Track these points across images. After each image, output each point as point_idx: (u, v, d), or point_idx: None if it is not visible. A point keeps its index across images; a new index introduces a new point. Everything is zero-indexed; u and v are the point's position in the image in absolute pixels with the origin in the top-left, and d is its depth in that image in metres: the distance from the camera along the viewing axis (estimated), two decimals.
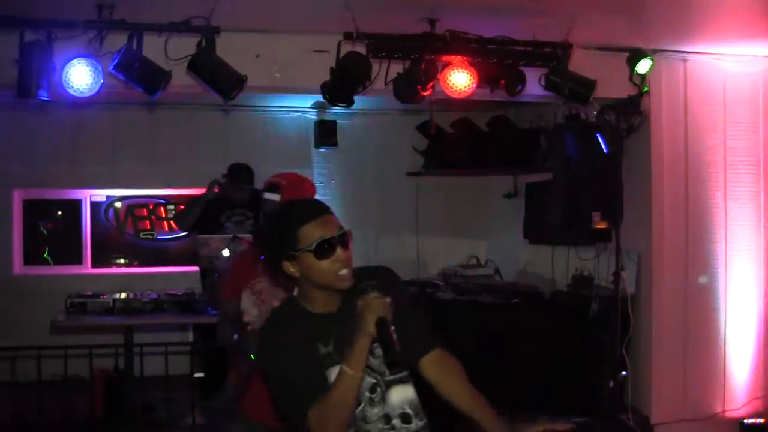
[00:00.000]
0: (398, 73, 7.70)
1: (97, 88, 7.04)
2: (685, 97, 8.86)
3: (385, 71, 7.65)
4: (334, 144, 11.74)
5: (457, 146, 11.56)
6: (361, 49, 7.54)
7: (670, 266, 8.81)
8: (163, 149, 11.48)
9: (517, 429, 3.78)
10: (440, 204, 12.36)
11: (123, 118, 11.24)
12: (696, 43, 8.61)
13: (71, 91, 7.02)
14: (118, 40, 7.10)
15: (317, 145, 11.86)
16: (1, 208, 11.36)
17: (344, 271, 3.69)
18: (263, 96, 10.84)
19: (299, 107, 11.85)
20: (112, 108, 10.84)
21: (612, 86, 8.50)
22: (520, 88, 7.89)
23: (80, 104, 8.40)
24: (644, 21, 7.88)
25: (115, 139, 11.43)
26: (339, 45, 7.47)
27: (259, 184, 9.54)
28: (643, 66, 8.34)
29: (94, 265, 11.76)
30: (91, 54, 7.04)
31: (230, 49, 7.32)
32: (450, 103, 8.31)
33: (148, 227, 11.92)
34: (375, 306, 3.57)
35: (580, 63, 8.08)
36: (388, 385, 3.82)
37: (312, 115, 11.94)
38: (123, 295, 8.95)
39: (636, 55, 8.32)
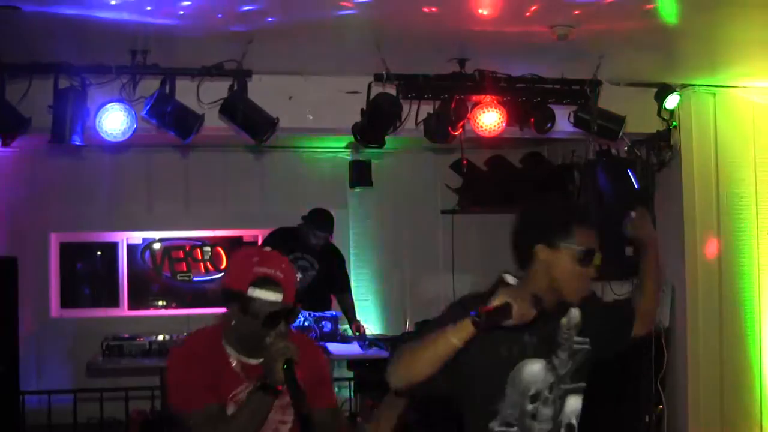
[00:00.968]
0: (428, 113, 7.76)
1: (130, 132, 7.14)
2: (715, 131, 8.88)
3: (415, 111, 7.71)
4: (369, 183, 11.74)
5: (490, 183, 11.59)
6: (391, 89, 7.60)
7: (704, 299, 8.80)
8: (197, 191, 11.55)
9: None
10: (475, 241, 12.34)
11: (157, 161, 11.33)
12: (724, 77, 8.63)
13: (105, 136, 7.13)
14: (150, 85, 7.22)
15: (352, 185, 11.87)
16: (39, 251, 11.42)
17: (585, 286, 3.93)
18: (297, 137, 10.91)
19: (333, 147, 11.90)
20: (147, 151, 10.93)
21: (642, 121, 8.55)
22: (549, 125, 7.93)
23: (115, 148, 8.51)
24: (672, 56, 7.92)
25: (150, 182, 11.52)
26: (369, 86, 7.54)
27: (292, 223, 9.68)
28: (672, 101, 8.38)
29: (131, 307, 11.78)
30: (125, 99, 7.14)
31: (262, 92, 7.42)
32: (483, 140, 8.35)
33: (185, 269, 11.95)
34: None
35: (610, 99, 8.12)
36: (567, 392, 4.01)
37: (346, 155, 11.99)
38: (160, 337, 9.01)
39: (664, 91, 8.36)
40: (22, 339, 9.88)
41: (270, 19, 6.35)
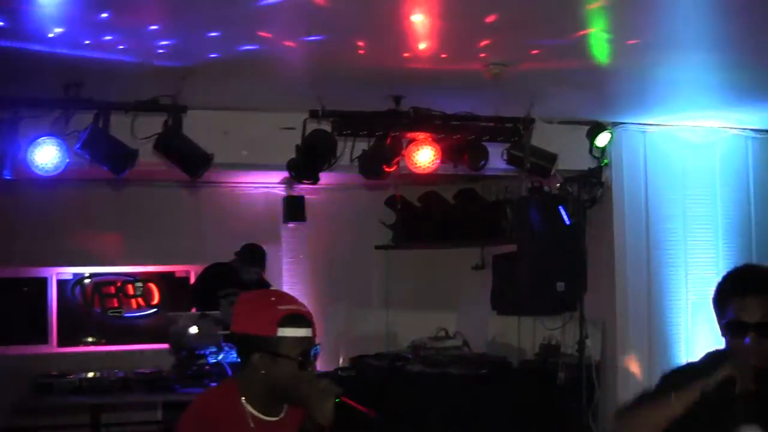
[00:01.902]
0: (363, 150, 7.80)
1: (62, 167, 7.06)
2: (645, 168, 9.03)
3: (350, 148, 7.75)
4: (303, 219, 11.74)
5: (424, 219, 11.66)
6: (326, 126, 7.65)
7: (634, 333, 8.91)
8: (130, 226, 11.39)
9: None
10: (409, 277, 12.38)
11: (90, 196, 11.12)
12: (654, 116, 8.79)
13: (36, 170, 7.03)
14: (84, 119, 7.17)
15: (286, 220, 11.86)
16: None
17: None
18: (231, 171, 10.88)
19: (267, 183, 11.88)
20: (79, 185, 10.71)
21: (574, 159, 8.66)
22: (483, 162, 8.01)
23: (46, 181, 8.43)
24: (604, 95, 8.04)
25: (82, 217, 11.26)
26: (305, 123, 7.57)
27: (225, 258, 9.64)
28: (602, 139, 8.50)
29: (61, 344, 11.47)
30: (57, 133, 7.07)
31: (197, 127, 7.42)
32: (417, 177, 8.40)
33: (116, 305, 11.79)
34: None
35: (543, 137, 8.23)
36: None
37: (280, 191, 11.98)
38: (90, 374, 8.90)
39: (595, 129, 8.48)
40: None
41: (208, 55, 6.35)
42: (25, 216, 10.90)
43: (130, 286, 11.88)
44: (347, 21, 5.73)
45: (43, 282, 11.59)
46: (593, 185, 8.93)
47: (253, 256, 9.54)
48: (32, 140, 6.99)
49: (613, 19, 5.82)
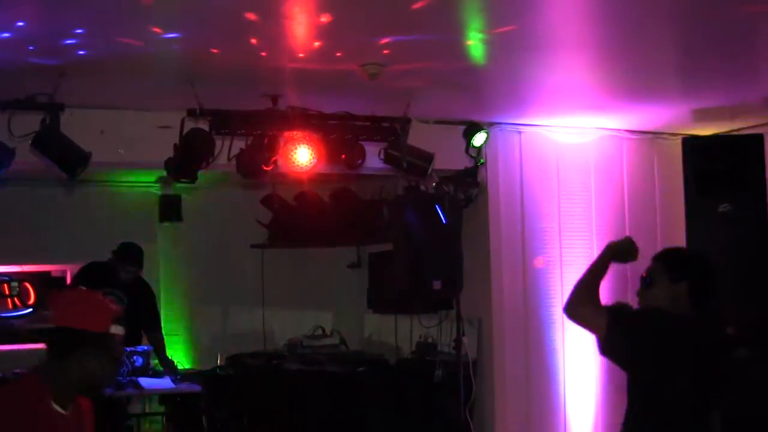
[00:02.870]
0: (241, 149, 7.79)
1: None
2: (521, 168, 9.21)
3: (228, 147, 7.74)
4: (179, 218, 11.69)
5: (300, 218, 11.69)
6: (204, 125, 7.60)
7: (509, 331, 9.06)
8: (5, 225, 11.21)
9: None
10: (286, 276, 12.40)
11: None
12: (529, 116, 8.96)
13: None
14: None
15: (162, 220, 11.80)
16: None
17: None
18: (107, 170, 10.77)
19: (143, 182, 11.81)
20: None
21: (450, 158, 8.74)
22: (360, 162, 8.06)
23: None
24: (480, 96, 8.18)
25: None
26: (182, 121, 7.53)
27: (102, 257, 9.56)
28: (479, 139, 8.59)
29: None
30: None
31: (75, 126, 7.30)
32: (293, 176, 8.44)
33: None
34: None
35: (419, 136, 8.29)
36: None
37: (156, 190, 11.91)
38: None
39: (471, 129, 8.57)
40: None
41: (81, 52, 6.31)
42: None
43: (5, 286, 11.69)
44: (219, 19, 5.76)
45: None
46: (469, 185, 9.03)
47: (130, 255, 9.47)
48: None
49: (488, 19, 5.93)
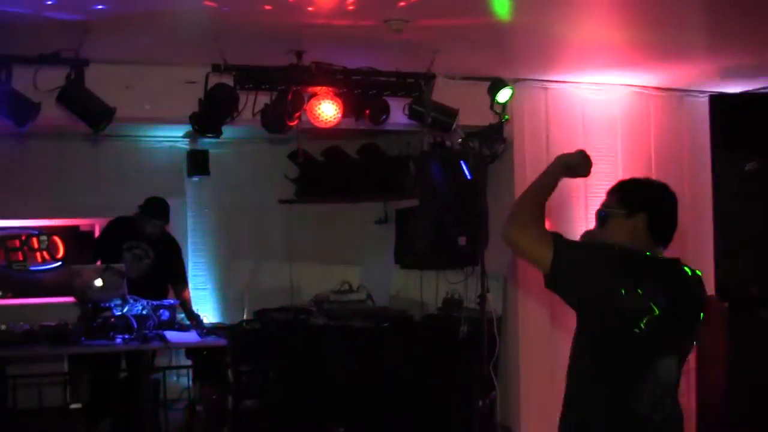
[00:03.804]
0: (265, 104, 7.81)
1: None
2: (547, 124, 9.18)
3: (252, 102, 7.76)
4: (207, 173, 11.69)
5: (327, 174, 11.71)
6: (228, 80, 7.64)
7: (534, 287, 9.04)
8: (34, 180, 11.27)
9: None
10: (313, 231, 12.44)
11: None
12: (555, 73, 8.92)
13: None
14: None
15: (189, 174, 11.83)
16: None
17: None
18: (134, 125, 10.81)
19: (171, 137, 11.84)
20: None
21: (476, 114, 8.71)
22: (384, 117, 8.09)
23: None
24: (506, 52, 8.15)
25: None
26: (207, 77, 7.56)
27: (129, 212, 9.61)
28: (503, 95, 8.57)
29: None
30: None
31: (100, 81, 7.37)
32: (321, 131, 8.45)
33: (21, 258, 11.70)
34: None
35: (444, 92, 8.30)
36: None
37: (184, 145, 11.94)
38: None
39: (496, 85, 8.53)
40: None
41: (104, 7, 6.32)
42: None
43: (35, 240, 11.79)
44: None
45: None
46: (495, 141, 8.99)
47: (156, 209, 9.49)
48: None
49: None
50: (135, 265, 9.33)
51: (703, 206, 8.82)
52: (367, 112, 8.06)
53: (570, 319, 8.15)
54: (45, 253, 11.79)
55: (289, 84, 7.77)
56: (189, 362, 9.77)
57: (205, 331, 9.15)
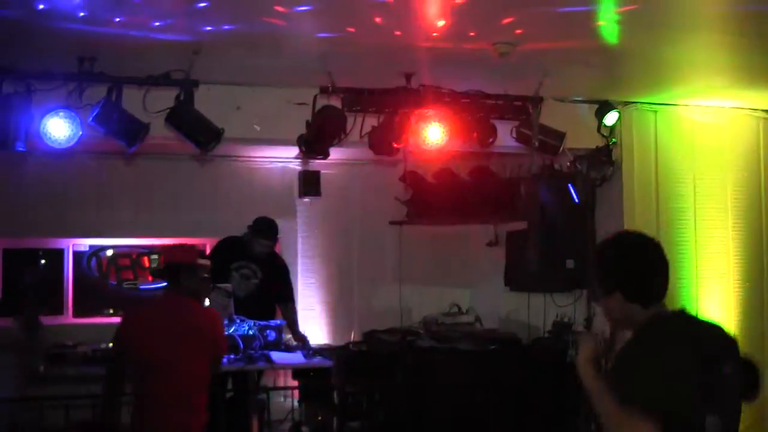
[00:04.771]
0: (373, 126, 7.85)
1: (75, 139, 7.15)
2: (656, 147, 9.08)
3: (360, 124, 7.81)
4: (318, 193, 11.76)
5: (439, 196, 11.69)
6: (336, 102, 7.70)
7: None
8: (146, 199, 11.45)
9: None
10: (423, 253, 12.41)
11: (106, 168, 11.15)
12: (664, 96, 8.83)
13: (49, 143, 7.13)
14: (97, 92, 7.26)
15: (301, 195, 11.89)
16: None
17: None
18: (246, 146, 10.92)
19: (283, 157, 11.93)
20: (96, 157, 10.73)
21: (584, 137, 8.69)
22: (491, 140, 8.08)
23: (61, 154, 8.45)
24: (614, 75, 8.08)
25: (98, 189, 11.31)
26: (315, 98, 7.62)
27: (240, 231, 9.70)
28: (611, 118, 8.53)
29: (76, 314, 11.49)
30: (71, 106, 7.15)
31: (210, 101, 7.50)
32: (430, 153, 8.46)
33: (131, 277, 11.83)
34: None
35: (552, 115, 8.28)
36: None
37: (296, 165, 12.02)
38: (103, 345, 8.95)
39: (604, 108, 8.51)
40: None
41: (212, 28, 6.41)
42: (41, 188, 10.93)
43: (145, 258, 11.93)
44: None
45: (60, 253, 11.62)
46: (603, 164, 8.95)
47: (265, 229, 9.55)
48: (46, 112, 7.07)
49: None
50: (243, 285, 9.41)
51: None
52: (475, 134, 8.05)
53: None
54: None
55: (396, 106, 7.80)
56: (295, 383, 9.80)
57: (311, 352, 9.18)
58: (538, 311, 10.26)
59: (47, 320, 10.94)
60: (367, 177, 12.15)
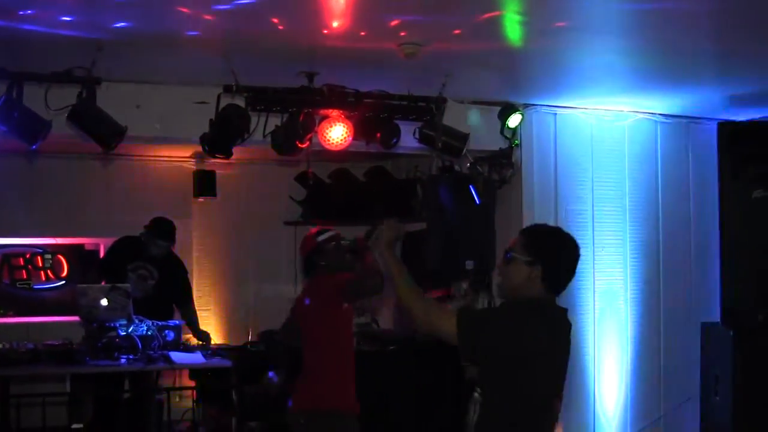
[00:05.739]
0: (276, 126, 7.82)
1: None
2: (555, 150, 9.21)
3: (263, 123, 7.78)
4: (213, 194, 11.72)
5: (334, 196, 11.70)
6: (240, 101, 7.66)
7: None
8: (41, 198, 11.23)
9: None
10: None
11: (1, 167, 11.04)
12: (565, 98, 8.95)
13: None
14: None
15: (196, 195, 11.83)
16: None
17: None
18: (142, 145, 10.80)
19: (178, 157, 11.84)
20: None
21: (485, 139, 8.77)
22: (395, 141, 8.10)
23: None
24: (516, 77, 8.19)
25: None
26: (218, 97, 7.58)
27: (135, 231, 9.61)
28: (514, 120, 8.63)
29: None
30: None
31: (111, 100, 7.36)
32: (328, 153, 8.47)
33: (25, 277, 11.66)
34: None
35: (455, 116, 8.34)
36: None
37: (191, 165, 11.95)
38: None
39: (507, 110, 8.60)
40: None
41: (120, 25, 6.34)
42: None
43: (39, 258, 11.75)
44: None
45: None
46: (503, 166, 9.05)
47: (162, 229, 9.48)
48: None
49: (526, 1, 5.94)
50: (140, 286, 9.31)
51: (709, 233, 8.88)
52: (378, 135, 8.07)
53: (575, 342, 8.16)
54: (49, 272, 11.75)
55: (300, 106, 7.78)
56: (193, 383, 9.74)
57: (209, 352, 9.14)
58: None
59: None
60: (263, 177, 12.11)
